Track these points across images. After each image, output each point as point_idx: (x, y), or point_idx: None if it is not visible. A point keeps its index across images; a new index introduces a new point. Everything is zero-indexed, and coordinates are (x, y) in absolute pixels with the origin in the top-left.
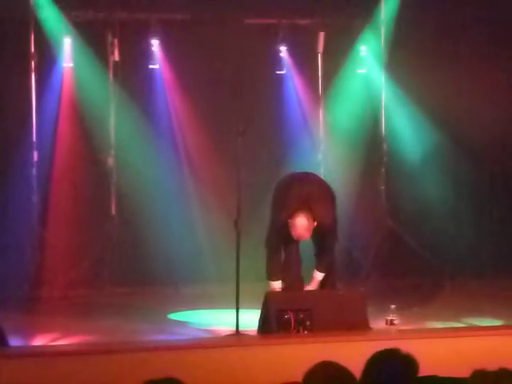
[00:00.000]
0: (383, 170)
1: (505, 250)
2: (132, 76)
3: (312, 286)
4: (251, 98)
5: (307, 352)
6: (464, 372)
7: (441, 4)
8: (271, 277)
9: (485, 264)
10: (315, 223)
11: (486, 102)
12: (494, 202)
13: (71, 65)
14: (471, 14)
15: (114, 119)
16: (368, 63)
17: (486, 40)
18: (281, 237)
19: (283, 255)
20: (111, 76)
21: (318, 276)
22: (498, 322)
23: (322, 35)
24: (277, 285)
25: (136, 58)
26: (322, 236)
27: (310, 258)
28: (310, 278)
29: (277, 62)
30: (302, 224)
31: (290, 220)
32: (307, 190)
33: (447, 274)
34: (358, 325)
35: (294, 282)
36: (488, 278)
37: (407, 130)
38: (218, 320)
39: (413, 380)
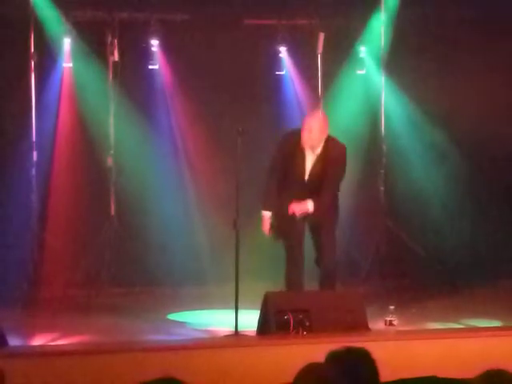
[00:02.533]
0: (382, 170)
1: (504, 251)
2: (132, 76)
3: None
4: (251, 99)
5: (306, 353)
6: (463, 373)
7: (440, 5)
8: (262, 206)
9: (484, 265)
10: (327, 132)
11: (485, 101)
12: (494, 202)
13: (71, 65)
14: (470, 14)
15: (114, 119)
16: (368, 64)
17: (485, 40)
18: (278, 164)
19: (287, 266)
20: (111, 76)
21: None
22: (496, 323)
23: (321, 36)
24: (266, 214)
25: (136, 58)
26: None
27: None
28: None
29: (276, 62)
30: (316, 124)
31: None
32: None
33: (446, 275)
34: (357, 325)
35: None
36: (487, 278)
37: (407, 130)
38: (218, 320)
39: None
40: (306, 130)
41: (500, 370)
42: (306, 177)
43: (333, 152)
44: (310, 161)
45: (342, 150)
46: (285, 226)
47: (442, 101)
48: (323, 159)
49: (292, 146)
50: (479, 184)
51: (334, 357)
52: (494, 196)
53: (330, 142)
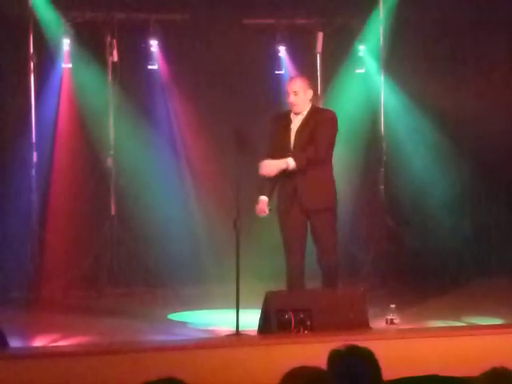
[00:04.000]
0: (382, 169)
1: (505, 249)
2: (131, 76)
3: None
4: (250, 99)
5: (308, 352)
6: (464, 371)
7: (439, 3)
8: (258, 191)
9: (485, 262)
10: (311, 93)
11: (484, 100)
12: (494, 200)
13: (70, 65)
14: (470, 13)
15: (113, 120)
16: (367, 63)
17: (485, 39)
18: (271, 149)
19: (288, 273)
20: (110, 77)
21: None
22: (498, 321)
23: (320, 35)
24: (262, 198)
25: (135, 58)
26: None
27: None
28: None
29: (275, 61)
30: (298, 85)
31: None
32: None
33: (447, 273)
34: (358, 324)
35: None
36: (488, 276)
37: (406, 129)
38: (218, 320)
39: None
40: (290, 93)
41: (504, 368)
42: (292, 145)
43: (319, 115)
44: (294, 128)
45: (330, 113)
46: (285, 226)
47: (442, 99)
48: (308, 123)
49: (279, 123)
50: (479, 182)
51: (336, 356)
52: (494, 193)
53: (315, 107)
